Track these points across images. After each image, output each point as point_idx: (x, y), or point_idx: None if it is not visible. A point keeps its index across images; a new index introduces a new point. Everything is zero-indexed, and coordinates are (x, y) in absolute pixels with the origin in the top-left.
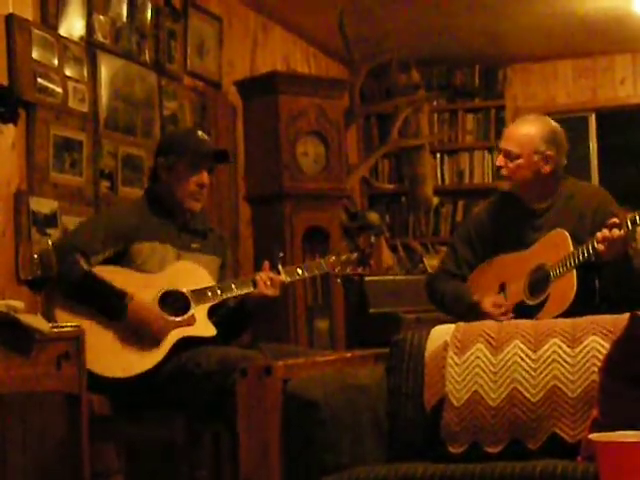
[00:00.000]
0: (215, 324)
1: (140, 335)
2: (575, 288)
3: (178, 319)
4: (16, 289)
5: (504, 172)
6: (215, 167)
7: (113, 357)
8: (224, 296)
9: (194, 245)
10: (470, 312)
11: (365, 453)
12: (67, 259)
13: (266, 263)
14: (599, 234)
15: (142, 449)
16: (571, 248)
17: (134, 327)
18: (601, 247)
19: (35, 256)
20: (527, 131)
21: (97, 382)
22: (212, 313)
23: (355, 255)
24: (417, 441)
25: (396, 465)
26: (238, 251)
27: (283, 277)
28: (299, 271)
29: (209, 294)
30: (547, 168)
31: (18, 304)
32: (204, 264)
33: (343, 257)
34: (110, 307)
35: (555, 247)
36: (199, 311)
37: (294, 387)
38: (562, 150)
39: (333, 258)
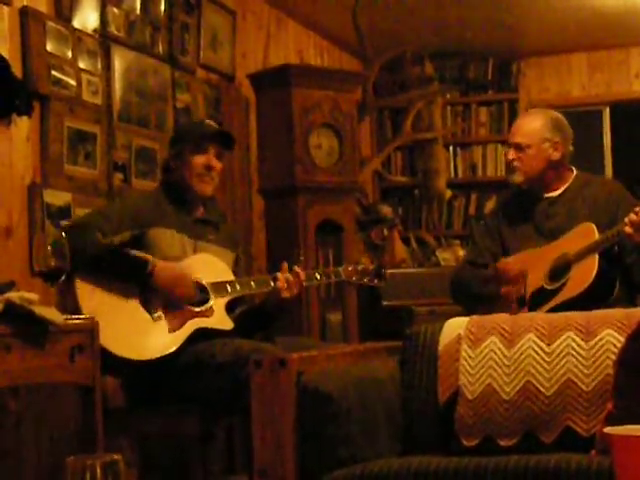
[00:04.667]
0: (233, 321)
1: (168, 298)
2: (596, 269)
3: (197, 309)
4: (30, 281)
5: (517, 164)
6: (223, 153)
7: (130, 339)
8: (242, 292)
9: (210, 237)
10: (488, 284)
11: (378, 446)
12: (84, 235)
13: (285, 264)
14: (626, 219)
15: (156, 442)
16: (597, 237)
17: (162, 290)
18: (629, 230)
19: (49, 247)
20: (533, 122)
21: (112, 363)
22: (230, 309)
23: (373, 266)
24: (430, 434)
25: (409, 458)
26: (251, 244)
27: (303, 277)
28: (317, 276)
29: (228, 288)
30: (556, 154)
31: (32, 296)
32: (219, 256)
33: (360, 267)
34: (135, 274)
35: (581, 238)
36: (217, 304)
37: (308, 380)
38: (567, 137)
39: (351, 267)
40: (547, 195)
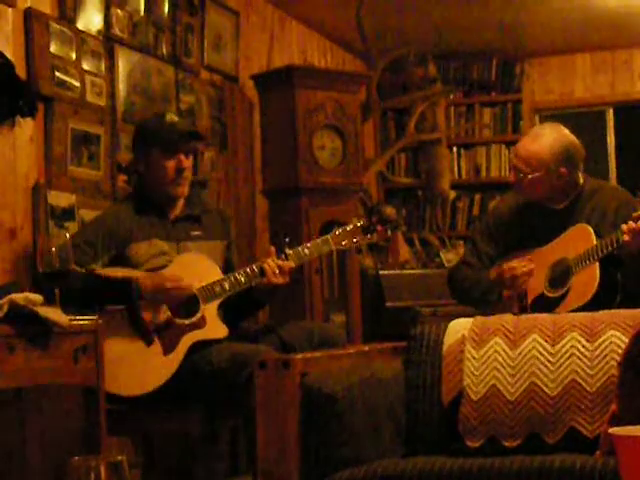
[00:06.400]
0: (222, 308)
1: (163, 303)
2: (597, 281)
3: (187, 322)
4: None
5: (517, 188)
6: (192, 149)
7: (128, 374)
8: (232, 291)
9: (194, 232)
10: (490, 291)
11: (382, 447)
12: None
13: (272, 248)
14: (624, 226)
15: (159, 442)
16: (594, 242)
17: (155, 301)
18: (626, 238)
19: (53, 249)
20: (537, 151)
21: (113, 397)
22: (220, 306)
23: (360, 222)
24: (434, 435)
25: (413, 459)
26: (254, 245)
27: (291, 263)
28: (306, 252)
29: (217, 290)
30: (560, 182)
31: (37, 297)
32: (207, 251)
33: (348, 227)
34: (122, 295)
35: (577, 241)
36: (209, 310)
37: (312, 380)
38: (577, 162)
39: (339, 231)
40: (553, 207)
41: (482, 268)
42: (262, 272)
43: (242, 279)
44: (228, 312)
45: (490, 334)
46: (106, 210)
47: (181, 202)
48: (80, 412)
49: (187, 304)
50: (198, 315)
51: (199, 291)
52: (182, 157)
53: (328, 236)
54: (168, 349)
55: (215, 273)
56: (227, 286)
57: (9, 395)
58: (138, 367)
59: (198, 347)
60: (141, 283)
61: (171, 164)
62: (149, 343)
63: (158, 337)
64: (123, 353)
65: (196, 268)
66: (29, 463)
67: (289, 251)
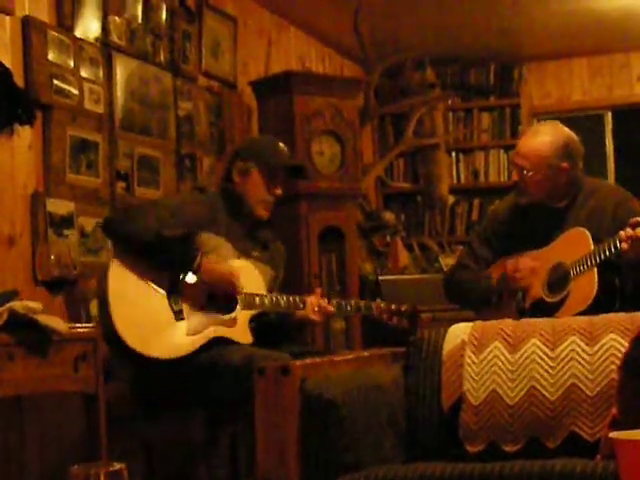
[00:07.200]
0: (253, 330)
1: (213, 291)
2: (596, 287)
3: (220, 317)
4: (33, 290)
5: (521, 188)
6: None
7: (145, 332)
8: (270, 309)
9: (255, 253)
10: (489, 289)
11: (383, 452)
12: (139, 219)
13: (318, 289)
14: (622, 233)
15: (160, 449)
16: (591, 246)
17: (207, 281)
18: (625, 246)
19: (52, 257)
20: (539, 147)
21: (123, 350)
22: (253, 319)
23: (406, 308)
24: (435, 440)
25: (414, 464)
26: None
27: (332, 308)
28: (348, 308)
29: (257, 301)
30: (563, 178)
31: (36, 305)
32: (260, 273)
33: (394, 307)
34: (183, 261)
35: (575, 245)
36: (242, 315)
37: (312, 386)
38: (577, 157)
39: (384, 304)
40: (553, 206)
41: (480, 270)
42: (304, 304)
43: (282, 302)
44: (258, 338)
45: (490, 339)
46: (191, 194)
47: (256, 223)
48: (80, 419)
49: (226, 303)
50: (232, 315)
51: (241, 295)
52: (279, 185)
53: (373, 304)
54: (192, 331)
55: (260, 287)
56: (267, 302)
57: (9, 402)
58: (158, 332)
59: (217, 344)
60: (203, 265)
61: (269, 188)
62: (178, 318)
63: (189, 315)
64: (151, 313)
65: (244, 275)
66: (28, 469)
67: (333, 300)
